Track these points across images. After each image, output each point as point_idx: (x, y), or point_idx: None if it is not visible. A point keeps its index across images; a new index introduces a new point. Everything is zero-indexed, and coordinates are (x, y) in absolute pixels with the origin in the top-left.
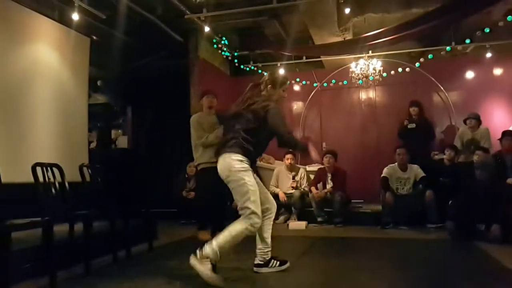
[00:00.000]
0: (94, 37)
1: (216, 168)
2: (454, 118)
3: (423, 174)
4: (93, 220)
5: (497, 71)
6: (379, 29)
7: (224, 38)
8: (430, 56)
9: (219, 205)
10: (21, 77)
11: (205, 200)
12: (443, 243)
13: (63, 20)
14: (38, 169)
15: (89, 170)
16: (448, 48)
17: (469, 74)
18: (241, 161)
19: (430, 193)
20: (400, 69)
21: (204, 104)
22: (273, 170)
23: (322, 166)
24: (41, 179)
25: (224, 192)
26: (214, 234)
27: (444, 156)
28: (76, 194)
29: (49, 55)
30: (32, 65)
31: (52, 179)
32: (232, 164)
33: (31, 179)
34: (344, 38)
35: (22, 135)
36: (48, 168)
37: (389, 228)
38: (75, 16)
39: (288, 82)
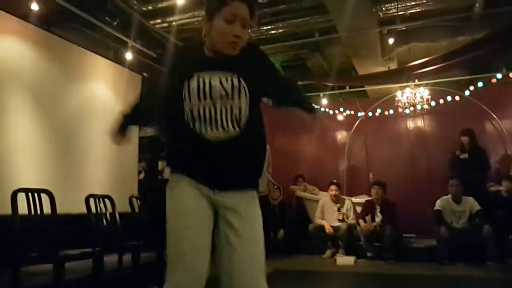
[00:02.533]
0: (145, 74)
1: None
2: (509, 147)
3: (479, 207)
4: (141, 251)
5: None
6: (424, 58)
7: None
8: (480, 83)
9: None
10: (77, 112)
11: None
12: (506, 283)
13: (117, 59)
14: (91, 200)
15: (138, 201)
16: (499, 75)
17: None
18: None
19: (488, 227)
20: (449, 98)
21: None
22: (317, 201)
23: (370, 198)
24: (93, 210)
25: (269, 221)
26: None
27: (501, 188)
28: (126, 225)
29: (103, 92)
30: (88, 101)
31: (104, 210)
32: None
33: (84, 209)
34: (389, 68)
35: (77, 167)
36: (100, 199)
37: (445, 264)
38: (129, 56)
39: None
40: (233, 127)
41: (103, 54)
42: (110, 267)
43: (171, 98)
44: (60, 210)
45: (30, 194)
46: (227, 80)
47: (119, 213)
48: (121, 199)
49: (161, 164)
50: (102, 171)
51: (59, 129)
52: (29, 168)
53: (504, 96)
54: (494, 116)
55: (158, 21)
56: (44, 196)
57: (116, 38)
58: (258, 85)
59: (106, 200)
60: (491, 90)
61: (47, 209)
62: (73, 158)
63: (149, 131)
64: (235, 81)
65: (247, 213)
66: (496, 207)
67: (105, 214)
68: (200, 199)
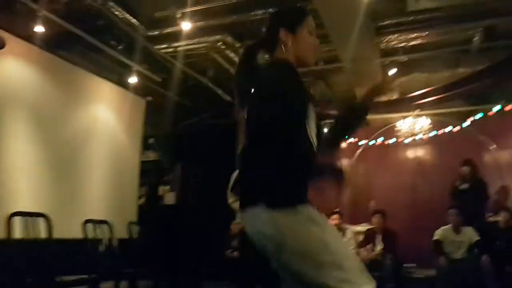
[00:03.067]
0: (149, 98)
1: None
2: (507, 178)
3: (478, 238)
4: (138, 279)
5: None
6: (425, 88)
7: None
8: (480, 114)
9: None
10: (79, 136)
11: (250, 262)
12: None
13: (122, 83)
14: (89, 225)
15: (138, 227)
16: (498, 107)
17: None
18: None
19: (486, 258)
20: (449, 128)
21: None
22: None
23: (371, 227)
24: (91, 235)
25: None
26: None
27: (499, 218)
28: (124, 251)
29: (107, 115)
30: (90, 124)
31: (101, 236)
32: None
33: (81, 234)
34: (390, 97)
35: (75, 191)
36: (98, 225)
37: None
38: (133, 80)
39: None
40: None
41: (107, 77)
42: None
43: (295, 121)
44: (56, 234)
45: (26, 218)
46: None
47: (117, 239)
48: (119, 225)
49: (162, 189)
50: (101, 196)
51: (59, 152)
52: (26, 192)
53: (502, 127)
54: (493, 146)
55: (164, 46)
56: (41, 220)
57: (121, 62)
58: None
59: (104, 225)
60: (490, 121)
61: (43, 234)
62: (71, 181)
63: (151, 156)
64: None
65: None
66: (494, 238)
67: (103, 239)
68: None
